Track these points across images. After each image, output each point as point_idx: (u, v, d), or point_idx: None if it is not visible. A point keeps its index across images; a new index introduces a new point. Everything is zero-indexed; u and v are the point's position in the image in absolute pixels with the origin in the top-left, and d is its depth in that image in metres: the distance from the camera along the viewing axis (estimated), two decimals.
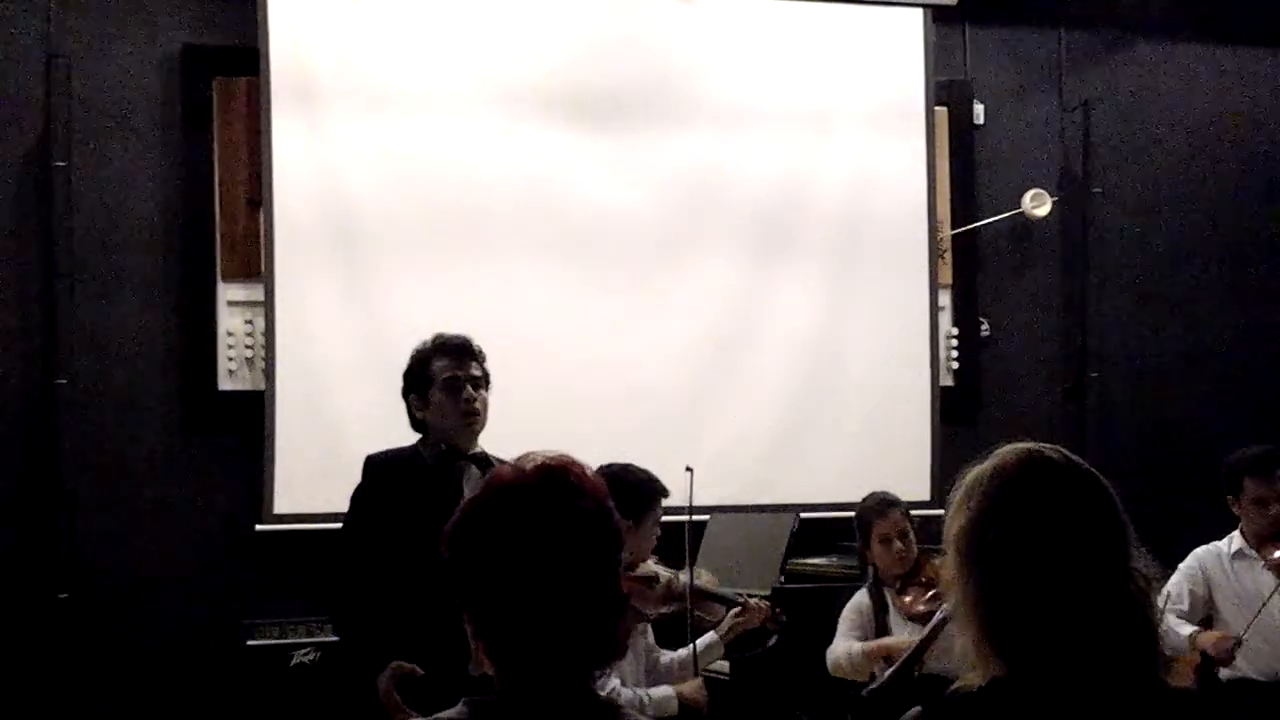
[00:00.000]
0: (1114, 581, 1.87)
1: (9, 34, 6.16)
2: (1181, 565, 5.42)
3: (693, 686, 4.40)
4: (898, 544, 4.96)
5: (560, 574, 1.81)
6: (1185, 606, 5.33)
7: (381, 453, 4.20)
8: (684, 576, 4.49)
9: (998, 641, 1.87)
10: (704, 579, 4.81)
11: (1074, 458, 1.95)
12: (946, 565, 1.96)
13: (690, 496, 4.52)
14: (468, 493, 3.99)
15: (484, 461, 4.10)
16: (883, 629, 4.93)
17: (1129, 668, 1.87)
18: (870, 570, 5.04)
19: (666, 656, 4.53)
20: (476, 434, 4.17)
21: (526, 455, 1.89)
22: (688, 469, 4.52)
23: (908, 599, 4.91)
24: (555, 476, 1.85)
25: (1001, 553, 1.87)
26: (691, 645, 4.48)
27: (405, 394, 4.22)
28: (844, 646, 4.91)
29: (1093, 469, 1.95)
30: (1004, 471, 1.93)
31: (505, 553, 1.82)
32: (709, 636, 4.57)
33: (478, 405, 4.14)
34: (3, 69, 6.15)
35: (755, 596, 4.76)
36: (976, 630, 1.89)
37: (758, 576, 5.44)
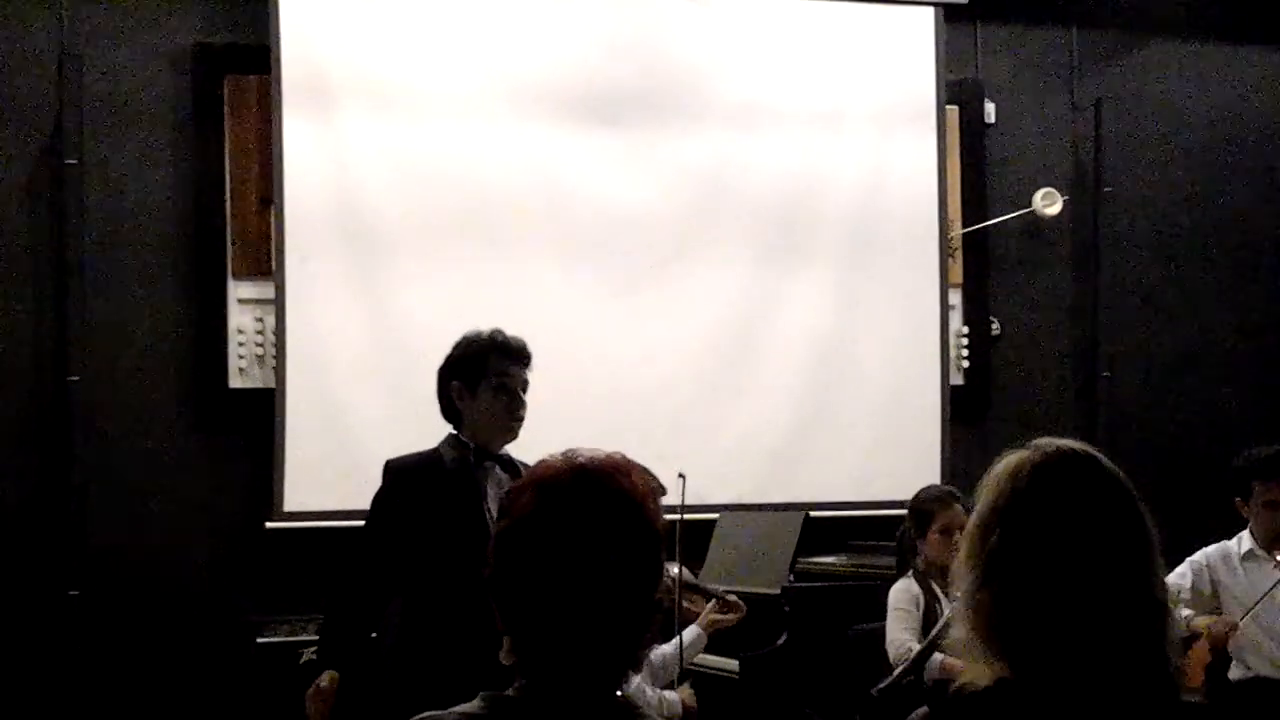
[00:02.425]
0: (1131, 591, 1.84)
1: (22, 32, 6.17)
2: (1188, 560, 5.41)
3: (687, 693, 4.41)
4: (958, 535, 4.96)
5: (591, 578, 1.77)
6: (1189, 597, 5.33)
7: (400, 457, 4.10)
8: (673, 569, 4.50)
9: (1003, 642, 1.85)
10: (685, 574, 4.84)
11: (1107, 463, 1.92)
12: (957, 557, 1.95)
13: (682, 499, 4.39)
14: (490, 492, 3.98)
15: (509, 463, 4.05)
16: (931, 618, 4.93)
17: (1141, 678, 1.84)
18: (919, 561, 5.03)
19: (656, 652, 4.53)
20: (513, 440, 4.10)
21: (573, 450, 1.85)
22: (680, 475, 4.39)
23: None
24: (594, 478, 1.81)
25: (1008, 554, 1.86)
26: (678, 636, 4.49)
27: (447, 378, 4.07)
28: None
29: (1122, 475, 1.92)
30: (1021, 471, 1.91)
31: (532, 549, 1.79)
32: (692, 630, 4.57)
33: (523, 414, 4.07)
34: (15, 67, 6.16)
35: (731, 593, 4.76)
36: (976, 627, 1.87)
37: (766, 576, 5.44)
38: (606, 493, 1.80)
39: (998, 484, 1.91)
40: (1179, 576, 5.33)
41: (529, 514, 1.80)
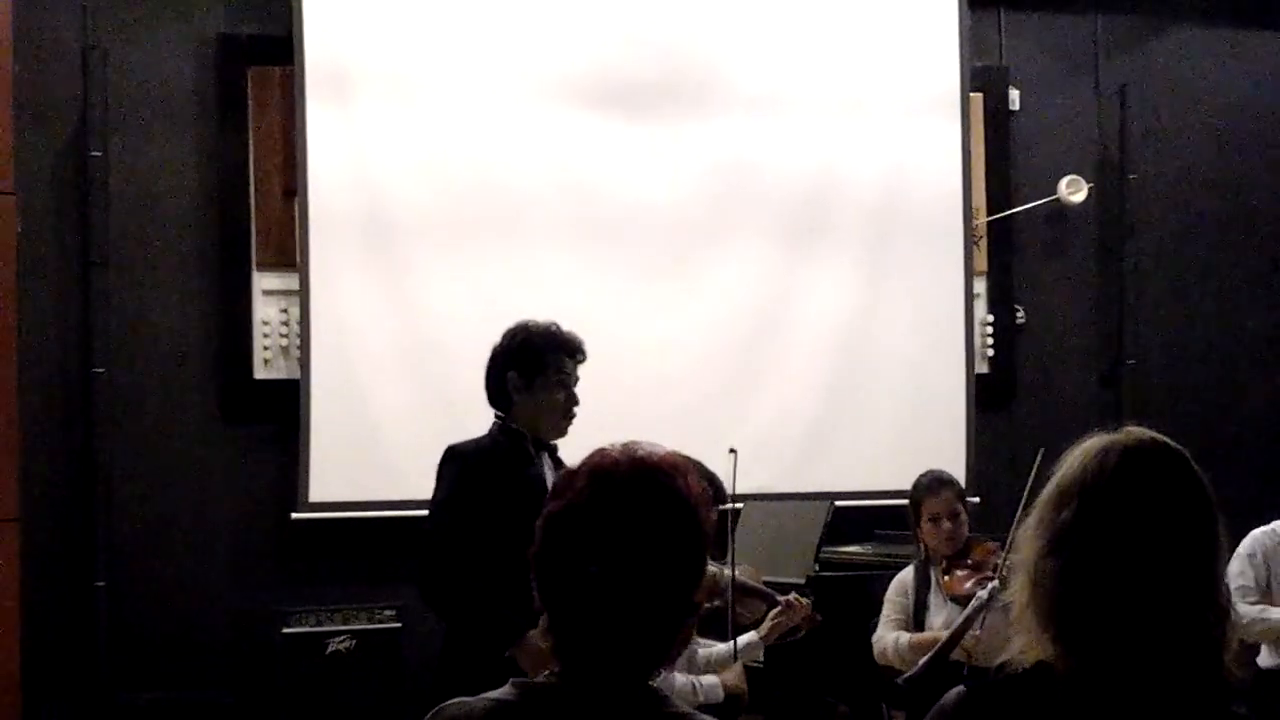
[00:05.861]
0: (1196, 591, 1.83)
1: (46, 25, 6.18)
2: (1239, 549, 5.30)
3: (735, 674, 4.41)
4: (946, 524, 4.95)
5: (635, 572, 1.79)
6: (1255, 597, 5.22)
7: (467, 442, 4.06)
8: (727, 571, 4.46)
9: (1059, 615, 1.81)
10: (747, 573, 4.79)
11: (1194, 464, 1.91)
12: (1024, 524, 1.93)
13: (734, 481, 4.35)
14: (549, 479, 3.99)
15: (554, 455, 4.07)
16: (922, 607, 4.92)
17: (1192, 678, 1.82)
18: (922, 548, 5.03)
19: (704, 651, 4.51)
20: (564, 436, 4.09)
21: (633, 443, 1.87)
22: (731, 450, 4.33)
23: (953, 580, 4.90)
24: (651, 474, 1.83)
25: (1081, 529, 1.83)
26: (732, 641, 4.46)
27: (502, 365, 4.06)
28: (891, 637, 4.89)
29: (1206, 479, 1.91)
30: (1111, 451, 1.88)
31: (581, 535, 1.81)
32: (749, 636, 4.52)
33: (576, 411, 4.08)
34: (40, 59, 6.17)
35: (794, 590, 4.72)
36: (1033, 595, 1.85)
37: (792, 565, 5.43)
38: (661, 490, 1.82)
39: (1084, 458, 1.89)
40: (1238, 574, 5.20)
41: (583, 500, 1.82)
